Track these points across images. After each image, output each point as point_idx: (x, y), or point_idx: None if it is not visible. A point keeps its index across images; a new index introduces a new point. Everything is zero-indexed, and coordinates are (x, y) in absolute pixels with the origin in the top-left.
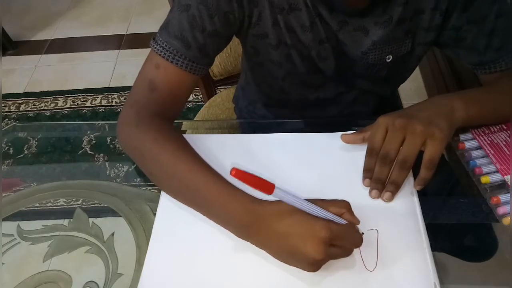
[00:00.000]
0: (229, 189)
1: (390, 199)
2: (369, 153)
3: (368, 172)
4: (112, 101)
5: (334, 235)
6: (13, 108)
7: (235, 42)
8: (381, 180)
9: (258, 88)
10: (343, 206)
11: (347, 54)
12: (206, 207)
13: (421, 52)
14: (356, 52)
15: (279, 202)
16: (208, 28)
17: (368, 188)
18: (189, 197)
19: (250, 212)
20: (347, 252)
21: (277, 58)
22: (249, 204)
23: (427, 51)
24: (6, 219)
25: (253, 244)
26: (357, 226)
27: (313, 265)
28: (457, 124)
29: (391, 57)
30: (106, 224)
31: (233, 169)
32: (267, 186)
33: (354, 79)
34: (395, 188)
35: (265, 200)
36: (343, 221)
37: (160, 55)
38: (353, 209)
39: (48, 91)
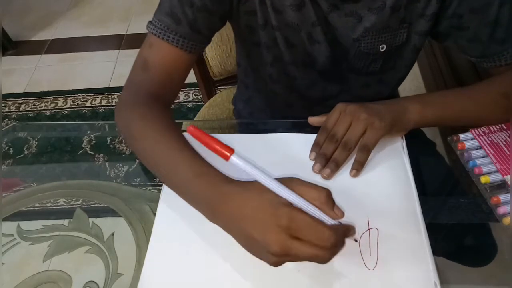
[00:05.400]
0: (203, 168)
1: (329, 176)
2: (321, 131)
3: (316, 147)
4: (112, 101)
5: (296, 225)
6: (13, 108)
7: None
8: (325, 155)
9: (254, 76)
10: (317, 198)
11: (339, 40)
12: (179, 186)
13: (417, 42)
14: (347, 38)
15: (251, 182)
16: (196, 2)
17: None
18: (165, 174)
19: (216, 191)
20: (313, 251)
21: (264, 40)
22: (217, 182)
23: (424, 43)
24: (6, 219)
25: (221, 228)
26: (343, 225)
27: (272, 257)
28: (407, 124)
29: (385, 46)
30: (106, 224)
31: (190, 126)
32: (225, 150)
33: (346, 74)
34: (335, 166)
35: (237, 180)
36: (319, 213)
37: (153, 33)
38: (354, 208)
39: (48, 91)
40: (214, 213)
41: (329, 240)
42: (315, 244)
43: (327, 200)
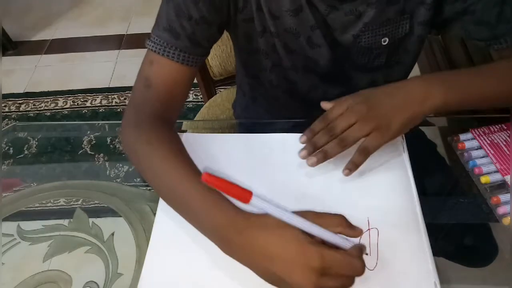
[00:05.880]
0: (215, 198)
1: (313, 164)
2: (321, 119)
3: (309, 133)
4: (112, 101)
5: (328, 264)
6: (13, 108)
7: None
8: (316, 144)
9: (252, 83)
10: (339, 224)
11: (339, 40)
12: (191, 216)
13: (421, 33)
14: (347, 37)
15: (265, 216)
16: (194, 15)
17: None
18: (176, 203)
19: (232, 224)
20: (345, 283)
21: (263, 47)
22: (233, 216)
23: (427, 33)
24: (6, 219)
25: (237, 261)
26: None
27: None
28: (427, 112)
29: (387, 39)
30: (106, 224)
31: (204, 173)
32: (243, 194)
33: (350, 73)
34: (323, 157)
35: (253, 213)
36: (340, 240)
37: (152, 50)
38: (354, 208)
39: (48, 91)
40: (230, 248)
41: (358, 270)
42: (345, 276)
43: (347, 223)
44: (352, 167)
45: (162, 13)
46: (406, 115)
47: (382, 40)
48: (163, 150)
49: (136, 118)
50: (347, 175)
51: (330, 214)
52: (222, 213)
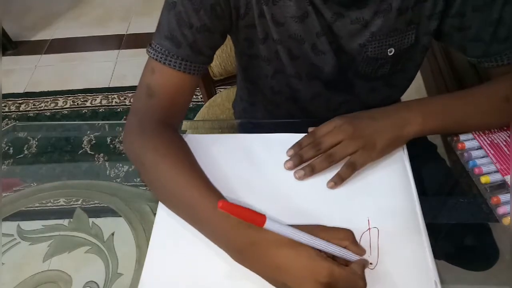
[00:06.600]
0: None
1: (301, 178)
2: (309, 135)
3: (297, 147)
4: (112, 101)
5: (335, 280)
6: (13, 108)
7: None
8: (301, 157)
9: (252, 88)
10: (345, 238)
11: (345, 47)
12: (201, 225)
13: (426, 42)
14: (354, 45)
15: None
16: (195, 23)
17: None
18: (184, 212)
19: (244, 237)
20: None
21: (265, 54)
22: (244, 228)
23: (430, 42)
24: (6, 219)
25: (248, 268)
26: (363, 251)
27: None
28: (407, 136)
29: (393, 50)
30: (106, 224)
31: (219, 201)
32: (257, 218)
33: (353, 81)
34: (310, 171)
35: None
36: (348, 254)
37: (154, 58)
38: (354, 209)
39: (48, 91)
40: (241, 258)
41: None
42: None
43: (354, 239)
44: (337, 181)
45: (164, 21)
46: (389, 137)
47: (388, 50)
48: (171, 157)
49: (140, 126)
50: (331, 187)
51: (338, 228)
52: (233, 224)
